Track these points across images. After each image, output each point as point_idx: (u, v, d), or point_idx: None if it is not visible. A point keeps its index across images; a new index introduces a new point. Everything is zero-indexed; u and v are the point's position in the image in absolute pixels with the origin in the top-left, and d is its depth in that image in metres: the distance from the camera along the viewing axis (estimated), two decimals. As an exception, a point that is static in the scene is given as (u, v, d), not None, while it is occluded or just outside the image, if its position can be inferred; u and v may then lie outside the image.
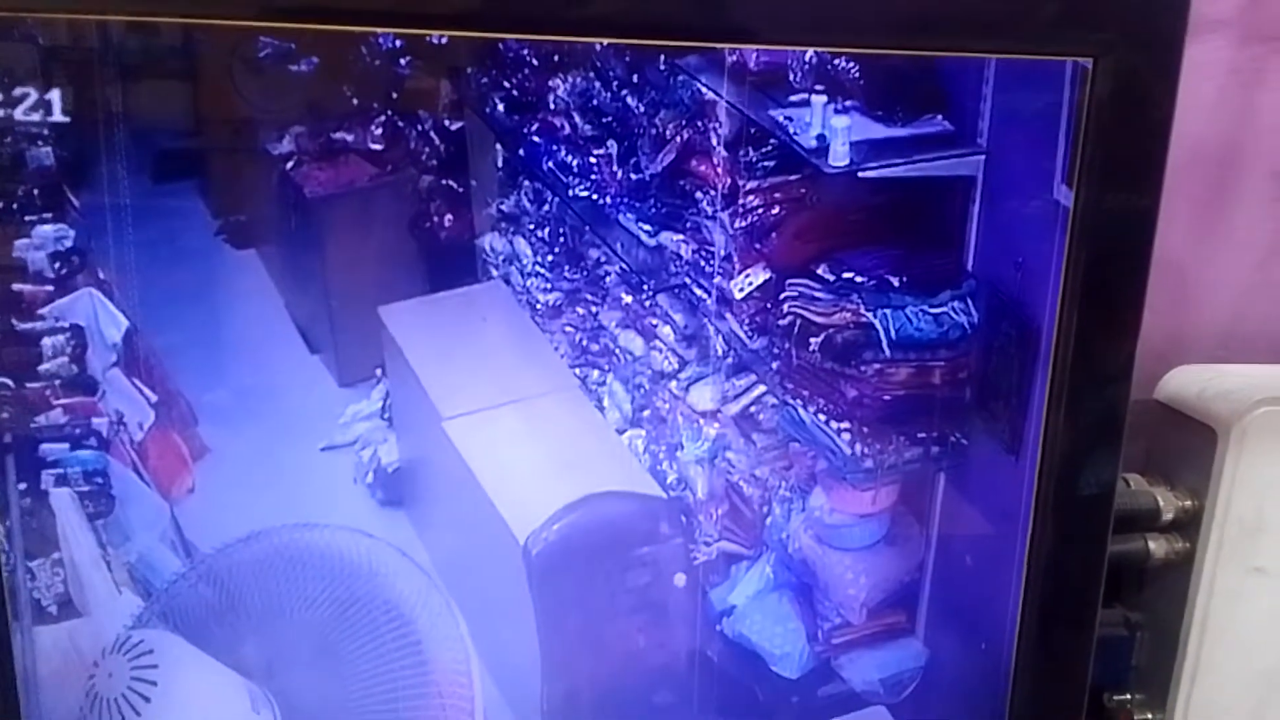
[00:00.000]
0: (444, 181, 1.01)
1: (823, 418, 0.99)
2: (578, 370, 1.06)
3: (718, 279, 0.99)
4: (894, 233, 0.97)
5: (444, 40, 0.93)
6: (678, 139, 0.97)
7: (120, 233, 0.90)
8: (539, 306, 1.06)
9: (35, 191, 0.87)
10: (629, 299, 1.04)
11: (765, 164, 0.95)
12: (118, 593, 0.94)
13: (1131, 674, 1.07)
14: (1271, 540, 1.00)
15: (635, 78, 0.97)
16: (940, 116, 0.93)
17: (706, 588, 1.05)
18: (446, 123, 0.99)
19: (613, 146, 0.99)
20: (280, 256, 1.00)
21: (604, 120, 0.99)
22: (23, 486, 0.91)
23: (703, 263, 0.99)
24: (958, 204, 0.95)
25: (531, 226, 1.05)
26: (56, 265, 0.89)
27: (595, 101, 0.98)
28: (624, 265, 1.03)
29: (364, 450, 1.04)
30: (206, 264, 0.95)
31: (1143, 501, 1.02)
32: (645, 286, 1.03)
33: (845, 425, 0.99)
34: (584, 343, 1.06)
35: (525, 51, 0.97)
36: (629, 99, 0.98)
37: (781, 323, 0.98)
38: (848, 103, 0.91)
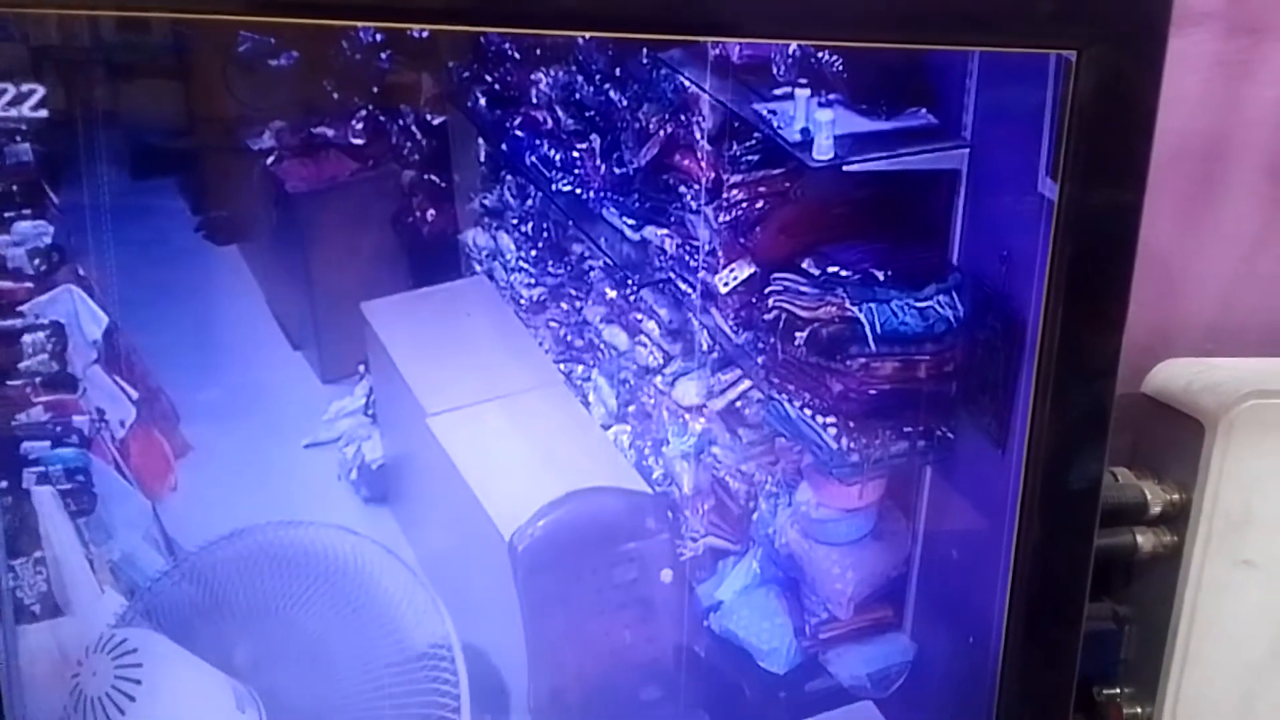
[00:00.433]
0: (426, 176, 1.01)
1: (808, 412, 0.99)
2: (562, 366, 1.06)
3: (702, 273, 0.98)
4: (879, 227, 0.97)
5: (425, 34, 0.92)
6: (661, 133, 0.96)
7: (100, 229, 0.89)
8: (523, 302, 1.06)
9: (14, 188, 0.86)
10: (613, 294, 1.04)
11: (749, 158, 0.94)
12: (101, 591, 0.94)
13: (1120, 667, 1.07)
14: (1259, 533, 1.00)
15: (618, 71, 0.96)
16: (925, 110, 0.92)
17: (693, 583, 1.05)
18: (428, 117, 0.98)
19: (596, 141, 0.99)
20: (262, 252, 0.99)
21: (587, 114, 0.98)
22: (4, 485, 0.90)
23: (687, 257, 0.99)
24: (942, 197, 0.95)
25: (515, 221, 1.04)
26: (36, 262, 0.88)
27: (578, 95, 0.98)
28: (608, 260, 1.02)
29: (348, 447, 1.03)
30: (187, 260, 0.95)
31: (1130, 495, 1.02)
32: (629, 281, 1.02)
33: (831, 420, 0.98)
34: (568, 338, 1.06)
35: (507, 45, 0.97)
36: (612, 93, 0.97)
37: (766, 317, 0.98)
38: (832, 96, 0.91)
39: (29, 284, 0.89)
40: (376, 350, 1.02)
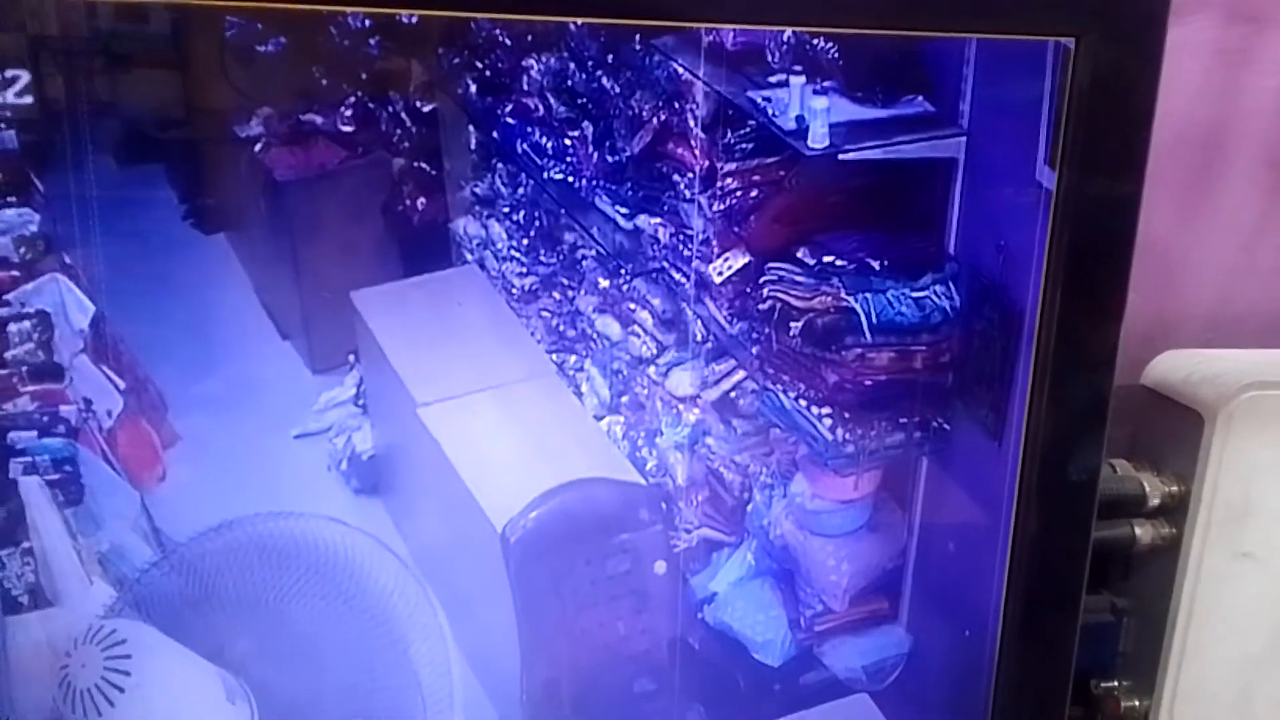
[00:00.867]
0: (416, 164, 1.00)
1: (803, 403, 0.99)
2: (555, 356, 1.06)
3: (696, 263, 0.98)
4: (875, 216, 0.96)
5: (415, 19, 0.92)
6: (654, 120, 0.96)
7: (87, 217, 0.89)
8: (515, 291, 1.05)
9: (-2, 175, 0.86)
10: (606, 283, 1.03)
11: (743, 146, 0.94)
12: (89, 582, 0.94)
13: (1118, 660, 1.07)
14: (1258, 525, 1.00)
15: (610, 58, 0.96)
16: (921, 98, 0.92)
17: (687, 575, 1.05)
18: (419, 104, 0.98)
19: (588, 128, 0.98)
20: (250, 241, 0.99)
21: (579, 101, 0.98)
22: (-10, 475, 0.90)
23: (681, 246, 0.98)
24: (939, 186, 0.95)
25: (506, 210, 1.04)
26: (21, 250, 0.87)
27: (570, 82, 0.98)
28: (600, 249, 1.02)
29: (338, 438, 1.03)
30: (175, 249, 0.94)
31: (1129, 487, 1.02)
32: (622, 271, 1.02)
33: (826, 410, 0.98)
34: (561, 328, 1.06)
35: (498, 31, 0.96)
36: (604, 80, 0.97)
37: (761, 307, 0.97)
38: (827, 83, 0.90)
39: (14, 272, 0.88)
40: (367, 340, 1.01)
